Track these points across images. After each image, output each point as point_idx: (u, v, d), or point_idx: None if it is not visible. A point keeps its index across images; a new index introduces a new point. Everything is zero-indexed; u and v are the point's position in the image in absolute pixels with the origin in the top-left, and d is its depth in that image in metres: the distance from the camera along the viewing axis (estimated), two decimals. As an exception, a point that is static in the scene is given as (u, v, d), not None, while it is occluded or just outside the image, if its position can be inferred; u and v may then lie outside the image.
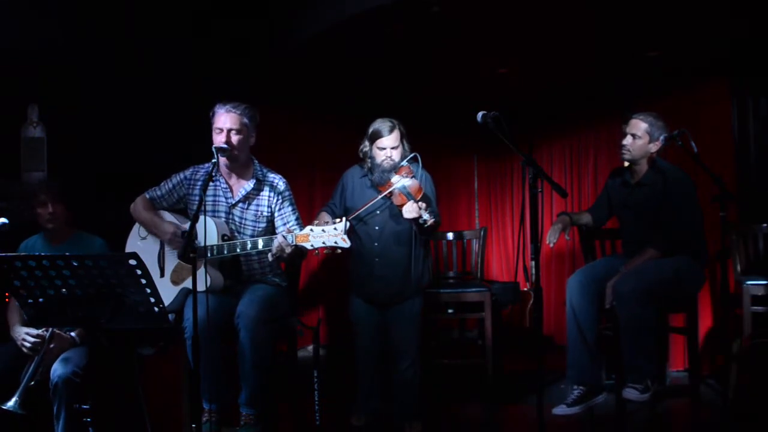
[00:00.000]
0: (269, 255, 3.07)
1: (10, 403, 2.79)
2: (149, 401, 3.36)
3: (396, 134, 3.51)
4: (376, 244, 3.55)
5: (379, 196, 3.49)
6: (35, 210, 3.27)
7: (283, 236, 2.99)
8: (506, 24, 4.03)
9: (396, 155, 3.52)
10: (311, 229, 2.94)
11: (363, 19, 3.86)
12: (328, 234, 2.91)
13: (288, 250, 3.01)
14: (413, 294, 3.57)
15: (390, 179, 3.48)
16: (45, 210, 3.26)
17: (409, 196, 3.40)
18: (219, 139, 3.22)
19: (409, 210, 3.37)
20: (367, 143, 3.59)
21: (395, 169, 3.51)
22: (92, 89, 4.00)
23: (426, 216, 3.35)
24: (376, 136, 3.52)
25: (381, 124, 3.53)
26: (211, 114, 3.29)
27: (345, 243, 2.90)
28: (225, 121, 3.23)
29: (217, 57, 4.42)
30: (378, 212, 3.56)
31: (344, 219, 2.94)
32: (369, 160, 3.59)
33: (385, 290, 3.55)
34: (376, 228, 3.55)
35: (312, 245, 2.94)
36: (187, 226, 3.30)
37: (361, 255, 3.58)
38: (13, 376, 2.94)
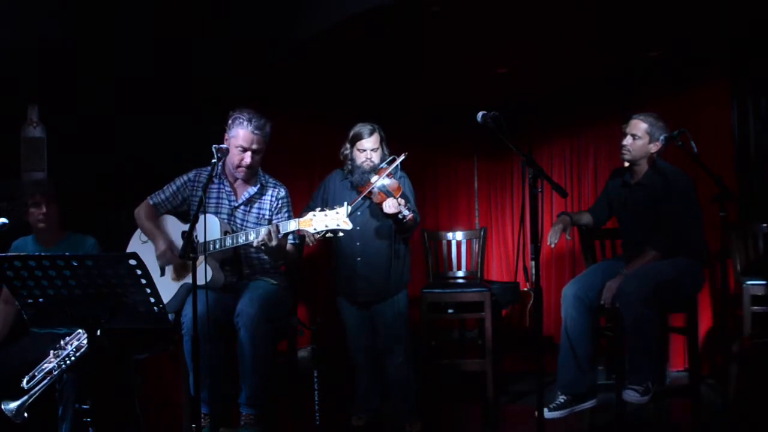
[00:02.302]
0: (254, 242, 3.09)
1: (12, 405, 2.78)
2: (149, 401, 3.36)
3: (376, 137, 3.60)
4: (357, 243, 3.60)
5: (359, 197, 3.55)
6: (28, 209, 3.27)
7: (276, 225, 3.06)
8: (506, 24, 4.02)
9: (376, 157, 3.60)
10: (314, 215, 3.00)
11: (363, 19, 3.86)
12: (330, 218, 2.98)
13: (273, 241, 3.05)
14: (396, 291, 3.63)
15: (370, 180, 3.54)
16: (38, 210, 3.25)
17: (389, 193, 3.47)
18: (241, 158, 3.25)
19: (389, 205, 3.42)
20: (347, 146, 3.68)
21: (375, 170, 3.58)
22: (92, 89, 4.00)
23: (405, 212, 3.42)
24: (357, 138, 3.61)
25: (362, 127, 3.62)
26: (230, 122, 3.26)
27: (347, 225, 2.97)
28: (251, 141, 3.25)
29: (217, 57, 4.41)
30: (358, 213, 3.61)
31: (345, 203, 2.99)
32: (349, 162, 3.67)
33: (368, 289, 3.61)
34: (357, 228, 3.59)
35: (315, 228, 2.99)
36: (187, 227, 3.31)
37: (344, 256, 3.65)
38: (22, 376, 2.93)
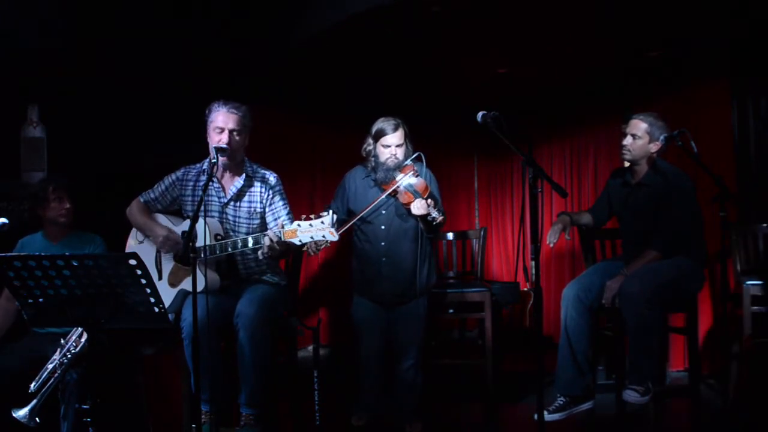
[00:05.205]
0: (259, 253, 3.07)
1: (22, 412, 2.77)
2: (150, 400, 3.36)
3: (400, 132, 3.52)
4: (382, 243, 3.54)
5: (384, 195, 3.49)
6: (49, 205, 3.28)
7: (275, 233, 2.99)
8: (506, 24, 4.03)
9: (400, 153, 3.52)
10: (299, 225, 2.92)
11: (363, 19, 3.86)
12: (315, 228, 2.89)
13: (277, 247, 3.01)
14: (420, 294, 3.56)
15: (395, 177, 3.47)
16: (61, 205, 3.29)
17: (416, 194, 3.40)
18: (219, 138, 3.21)
19: (418, 207, 3.37)
20: (371, 141, 3.58)
21: (399, 167, 3.50)
22: (92, 89, 4.00)
23: (435, 213, 3.36)
24: (381, 134, 3.52)
25: (385, 123, 3.53)
26: (207, 112, 3.27)
27: (333, 236, 2.87)
28: (227, 121, 3.22)
29: (217, 57, 4.41)
30: (383, 211, 3.55)
31: (330, 212, 2.91)
32: (372, 159, 3.58)
33: (392, 290, 3.54)
34: (382, 227, 3.55)
35: (300, 240, 2.92)
36: (181, 227, 3.30)
37: (368, 255, 3.57)
38: (28, 377, 2.93)
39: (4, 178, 3.80)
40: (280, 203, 3.38)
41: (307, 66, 4.65)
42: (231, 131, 3.23)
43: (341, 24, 3.94)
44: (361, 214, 3.52)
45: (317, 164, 5.36)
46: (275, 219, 3.33)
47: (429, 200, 3.37)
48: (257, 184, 3.37)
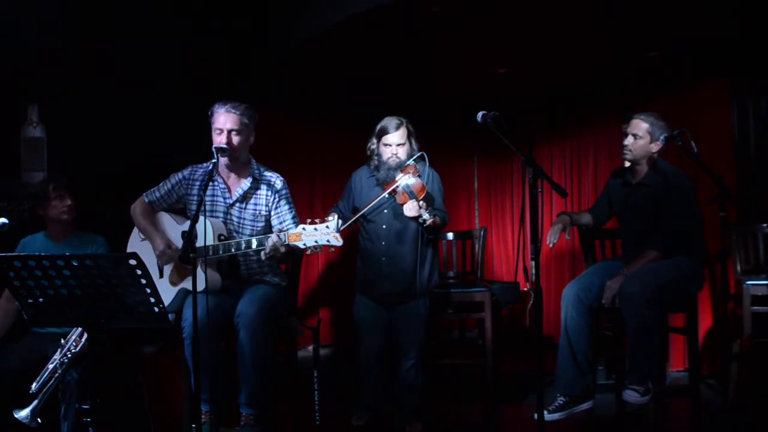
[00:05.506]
0: (262, 254, 3.07)
1: (24, 413, 2.77)
2: (149, 400, 3.36)
3: (402, 132, 3.52)
4: (383, 243, 3.55)
5: (383, 194, 3.49)
6: (50, 203, 3.28)
7: (277, 235, 2.98)
8: (506, 24, 4.02)
9: (402, 153, 3.52)
10: (303, 228, 2.91)
11: (363, 19, 3.86)
12: (320, 232, 2.88)
13: (282, 249, 3.00)
14: (421, 294, 3.56)
15: (395, 177, 3.47)
16: (62, 203, 3.30)
17: (411, 194, 3.40)
18: (219, 140, 3.21)
19: (410, 208, 3.38)
20: (374, 140, 3.60)
21: (401, 167, 3.50)
22: (92, 89, 4.00)
23: (425, 216, 3.35)
24: (383, 132, 3.53)
25: (388, 122, 3.54)
26: (209, 113, 3.28)
27: (337, 241, 2.87)
28: (225, 121, 3.22)
29: (217, 57, 4.41)
30: (385, 211, 3.56)
31: (336, 217, 2.92)
32: (375, 158, 3.59)
33: (392, 290, 3.54)
34: (383, 227, 3.55)
35: (304, 244, 2.91)
36: (183, 227, 3.30)
37: (369, 254, 3.58)
38: (28, 377, 2.93)
39: (4, 178, 3.80)
40: (286, 207, 3.38)
41: (307, 66, 4.65)
42: (229, 131, 3.23)
43: (341, 24, 3.94)
44: (360, 212, 3.53)
45: (317, 164, 5.36)
46: (280, 223, 3.34)
47: (422, 202, 3.37)
48: (263, 187, 3.36)
